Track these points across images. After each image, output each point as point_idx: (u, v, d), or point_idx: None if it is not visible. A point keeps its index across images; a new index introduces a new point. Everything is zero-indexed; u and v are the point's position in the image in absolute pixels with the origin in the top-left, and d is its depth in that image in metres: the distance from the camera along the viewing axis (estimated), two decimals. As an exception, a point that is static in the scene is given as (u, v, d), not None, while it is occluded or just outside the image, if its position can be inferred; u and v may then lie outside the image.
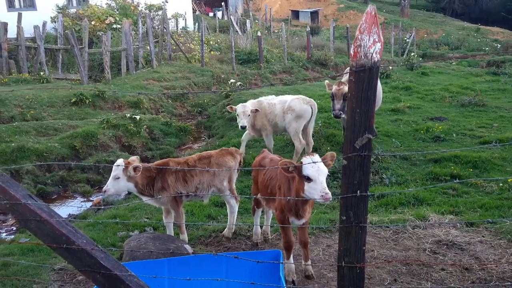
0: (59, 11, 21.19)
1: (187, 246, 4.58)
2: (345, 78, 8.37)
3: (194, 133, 12.40)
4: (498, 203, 6.00)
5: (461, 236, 4.98)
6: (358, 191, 2.12)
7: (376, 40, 2.02)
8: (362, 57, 2.03)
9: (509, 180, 6.64)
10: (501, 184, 6.67)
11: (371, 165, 8.37)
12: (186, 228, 5.90)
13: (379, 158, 8.42)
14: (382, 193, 6.72)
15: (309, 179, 3.35)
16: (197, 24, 26.94)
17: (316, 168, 3.32)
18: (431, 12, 45.95)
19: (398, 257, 4.55)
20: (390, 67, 19.02)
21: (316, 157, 3.39)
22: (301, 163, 3.40)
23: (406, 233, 5.18)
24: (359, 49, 2.04)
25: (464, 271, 4.26)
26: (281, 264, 3.33)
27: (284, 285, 3.12)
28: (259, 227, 5.15)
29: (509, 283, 3.98)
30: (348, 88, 2.10)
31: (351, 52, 2.07)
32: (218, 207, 6.67)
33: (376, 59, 2.03)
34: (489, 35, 35.41)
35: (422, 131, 10.30)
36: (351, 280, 2.20)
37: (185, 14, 27.52)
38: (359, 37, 2.04)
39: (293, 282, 4.02)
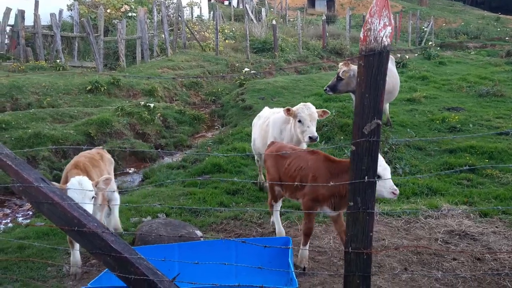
0: (75, -1, 21.30)
1: (198, 232, 4.63)
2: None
3: (208, 121, 12.43)
4: (510, 194, 5.91)
5: (474, 227, 4.93)
6: (366, 177, 2.10)
7: (387, 23, 1.99)
8: (372, 41, 2.00)
9: (525, 171, 6.53)
10: (517, 175, 6.56)
11: (385, 155, 8.31)
12: (198, 214, 5.98)
13: (393, 148, 8.35)
14: (395, 183, 6.67)
15: (378, 177, 3.36)
16: (212, 12, 26.84)
17: (383, 166, 3.45)
18: (450, 1, 44.98)
19: (410, 246, 4.52)
20: (407, 56, 18.75)
21: (380, 156, 3.45)
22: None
23: (418, 222, 5.16)
24: (369, 32, 2.01)
25: (476, 261, 4.23)
26: (290, 250, 3.34)
27: (293, 271, 3.13)
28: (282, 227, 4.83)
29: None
30: (358, 72, 2.08)
31: (361, 35, 2.05)
32: (230, 195, 6.71)
33: (386, 43, 2.00)
34: (509, 25, 34.53)
35: (437, 121, 10.16)
36: (358, 266, 2.19)
37: (200, 2, 27.43)
38: (369, 20, 2.01)
39: (304, 268, 4.04)
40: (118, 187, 7.89)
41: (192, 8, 25.92)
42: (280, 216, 4.94)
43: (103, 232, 2.54)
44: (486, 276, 3.93)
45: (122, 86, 12.96)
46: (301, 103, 5.53)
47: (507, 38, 26.75)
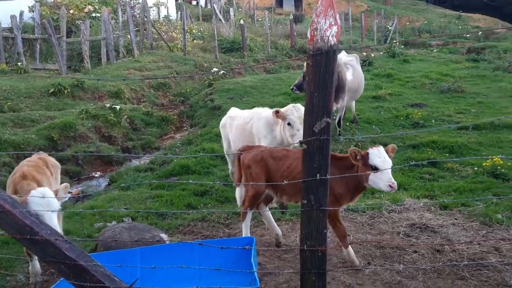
0: (37, 0, 20.71)
1: (164, 235, 4.58)
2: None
3: (176, 122, 12.33)
4: (472, 186, 6.10)
5: (434, 219, 5.07)
6: (318, 175, 2.13)
7: (332, 23, 2.02)
8: (319, 40, 2.03)
9: (483, 163, 6.75)
10: (475, 168, 6.77)
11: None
12: (165, 217, 5.92)
13: (359, 144, 8.49)
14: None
15: (375, 169, 3.56)
16: (179, 12, 26.61)
17: (383, 159, 3.54)
18: (413, 0, 46.08)
19: (373, 241, 4.61)
20: (372, 55, 19.10)
21: (382, 149, 3.60)
22: (367, 153, 3.59)
23: (381, 217, 5.25)
24: (315, 32, 2.03)
25: (435, 252, 4.35)
26: (253, 250, 3.35)
27: (255, 271, 3.14)
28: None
29: (478, 262, 4.07)
30: (306, 72, 2.10)
31: (308, 35, 2.07)
32: (199, 196, 6.67)
33: (332, 43, 2.03)
34: (470, 22, 35.72)
35: (402, 118, 10.40)
36: (313, 263, 2.22)
37: (167, 2, 27.15)
38: (315, 20, 2.03)
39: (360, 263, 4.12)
40: (83, 192, 7.76)
41: (159, 8, 25.62)
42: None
43: (56, 239, 2.47)
44: (445, 267, 4.04)
45: (87, 89, 12.68)
46: (290, 105, 5.24)
47: (467, 35, 27.63)
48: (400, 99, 12.47)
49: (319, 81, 2.05)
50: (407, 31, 31.54)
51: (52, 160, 4.68)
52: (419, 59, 19.72)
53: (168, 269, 3.20)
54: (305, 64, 8.74)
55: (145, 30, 18.88)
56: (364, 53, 20.56)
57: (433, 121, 10.11)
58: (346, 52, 10.84)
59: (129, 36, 17.47)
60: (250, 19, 28.82)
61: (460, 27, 32.71)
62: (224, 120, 6.30)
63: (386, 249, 4.44)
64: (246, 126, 5.72)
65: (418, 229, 4.85)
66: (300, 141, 4.62)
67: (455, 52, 22.18)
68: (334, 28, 2.02)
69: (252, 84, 14.09)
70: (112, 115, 10.43)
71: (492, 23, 34.00)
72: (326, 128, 2.09)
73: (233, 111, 6.30)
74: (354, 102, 10.18)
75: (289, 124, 5.08)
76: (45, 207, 3.38)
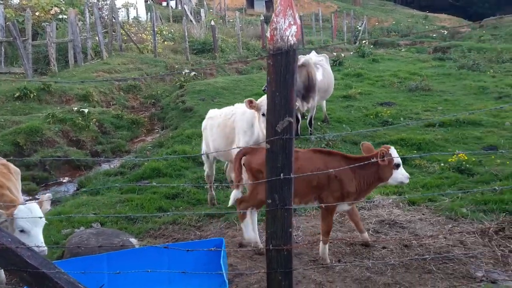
0: (1, 2, 20.07)
1: (133, 240, 4.51)
2: (301, 61, 8.51)
3: (147, 125, 12.17)
4: (439, 182, 6.26)
5: (402, 215, 5.17)
6: (282, 174, 2.14)
7: (292, 22, 2.03)
8: (279, 40, 2.04)
9: (449, 159, 6.93)
10: (442, 164, 6.95)
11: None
12: (135, 221, 5.83)
13: (329, 143, 8.59)
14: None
15: (397, 166, 4.02)
16: (149, 13, 26.30)
17: (398, 157, 3.99)
18: (382, 1, 47.00)
19: (344, 238, 4.66)
20: (343, 55, 19.37)
21: (393, 149, 4.06)
22: (383, 153, 3.91)
23: (352, 215, 5.31)
24: (275, 32, 2.04)
25: (403, 247, 4.43)
26: (222, 251, 3.33)
27: (224, 272, 3.12)
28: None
29: (444, 256, 4.18)
30: (267, 71, 2.11)
31: (268, 35, 2.08)
32: (170, 199, 6.60)
33: (292, 42, 2.04)
34: (436, 22, 36.67)
35: (371, 116, 10.58)
36: (279, 262, 2.22)
37: (136, 3, 26.79)
38: (275, 19, 2.04)
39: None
40: (50, 198, 7.55)
41: (128, 9, 25.27)
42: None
43: (17, 247, 2.40)
44: (413, 261, 4.13)
45: (54, 92, 12.37)
46: (265, 95, 5.15)
47: (434, 35, 28.36)
48: (369, 98, 12.69)
49: (280, 80, 2.06)
50: (376, 31, 32.13)
51: (13, 166, 4.54)
52: (388, 59, 20.13)
53: (137, 274, 3.15)
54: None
55: (114, 32, 18.58)
56: (335, 53, 20.84)
57: (401, 119, 10.32)
58: (317, 52, 10.96)
59: (97, 38, 17.15)
60: (221, 20, 28.78)
61: (426, 27, 33.54)
62: (204, 122, 6.10)
63: (356, 246, 4.50)
64: (227, 122, 5.48)
65: (387, 225, 4.94)
66: None
67: (422, 51, 22.74)
68: (294, 28, 2.04)
69: (223, 85, 14.06)
70: (80, 118, 10.21)
71: (457, 23, 34.98)
72: (288, 127, 2.10)
73: (212, 112, 6.09)
74: (325, 101, 10.29)
75: (264, 114, 4.71)
76: (31, 222, 3.28)
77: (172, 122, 11.79)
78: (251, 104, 4.86)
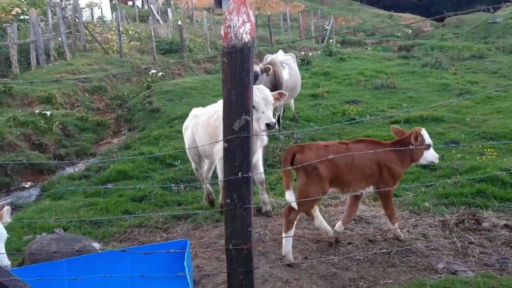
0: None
1: (96, 244, 4.40)
2: (267, 60, 8.52)
3: (114, 127, 11.93)
4: (403, 177, 6.34)
5: (368, 211, 5.25)
6: (240, 173, 2.12)
7: (246, 20, 2.02)
8: (233, 37, 2.02)
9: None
10: (406, 160, 7.09)
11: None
12: (100, 226, 5.69)
13: (298, 142, 8.64)
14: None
15: (429, 146, 4.24)
16: (114, 13, 25.81)
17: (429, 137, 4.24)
18: (349, 0, 47.72)
19: (310, 236, 4.69)
20: (310, 54, 19.54)
21: (424, 130, 4.26)
22: (416, 134, 4.16)
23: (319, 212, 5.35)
24: (229, 29, 2.02)
25: (368, 243, 4.50)
26: (187, 253, 3.29)
27: (188, 274, 3.09)
28: None
29: (407, 249, 4.27)
30: (222, 69, 2.09)
31: (222, 33, 2.06)
32: (136, 202, 6.49)
33: (246, 40, 2.03)
34: (401, 21, 37.48)
35: (339, 114, 10.72)
36: (239, 262, 2.21)
37: (101, 3, 26.24)
38: (228, 17, 2.02)
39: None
40: (12, 204, 7.29)
41: (92, 9, 24.73)
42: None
43: (-34, 256, 2.29)
44: (377, 256, 4.20)
45: (16, 95, 11.96)
46: (253, 86, 4.91)
47: (399, 34, 29.00)
48: (337, 96, 12.85)
49: (235, 78, 2.04)
50: (343, 30, 32.59)
51: None
52: (355, 57, 20.44)
53: (99, 279, 3.07)
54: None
55: (77, 32, 18.12)
56: (303, 53, 21.03)
57: (368, 116, 10.49)
58: (285, 52, 11.00)
59: (60, 39, 16.69)
60: (189, 20, 28.53)
61: (392, 26, 34.24)
62: (188, 121, 5.80)
63: (322, 243, 4.54)
64: (210, 120, 5.22)
65: (353, 221, 4.99)
66: (266, 123, 4.42)
67: (388, 50, 23.21)
68: (248, 25, 2.02)
69: (192, 85, 13.95)
70: (43, 121, 9.91)
71: (421, 22, 35.88)
72: (245, 126, 2.08)
73: (196, 111, 5.78)
74: (293, 100, 10.35)
75: (253, 107, 4.75)
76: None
77: (139, 123, 11.61)
78: None
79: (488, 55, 17.90)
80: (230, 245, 2.21)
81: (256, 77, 7.98)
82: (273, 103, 4.67)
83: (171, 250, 2.94)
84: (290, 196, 4.07)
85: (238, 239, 2.20)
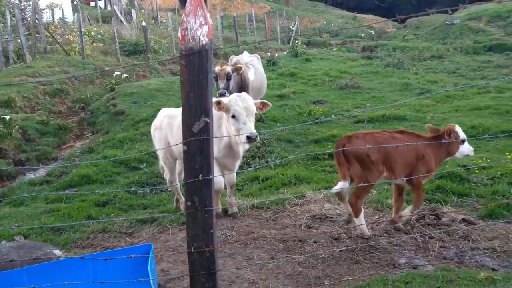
0: None
1: (57, 252, 4.28)
2: (233, 61, 8.50)
3: (76, 130, 11.66)
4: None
5: (333, 209, 5.32)
6: (200, 176, 2.12)
7: (203, 22, 2.01)
8: (190, 40, 2.01)
9: (376, 154, 7.24)
10: (370, 158, 7.24)
11: (257, 149, 8.53)
12: (62, 232, 5.54)
13: (265, 142, 8.69)
14: (267, 176, 6.93)
15: (463, 141, 4.51)
16: (76, 14, 25.17)
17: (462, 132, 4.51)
18: (313, 2, 48.32)
19: (276, 236, 4.72)
20: (276, 55, 19.66)
21: (458, 126, 4.54)
22: (450, 131, 4.47)
23: (285, 211, 5.40)
24: (186, 32, 2.02)
25: (334, 241, 4.57)
26: (151, 257, 3.25)
27: (151, 279, 3.05)
28: None
29: (371, 245, 4.36)
30: (180, 72, 2.08)
31: (179, 35, 2.05)
32: (100, 207, 6.36)
33: (204, 42, 2.03)
34: (365, 23, 38.26)
35: (305, 114, 10.83)
36: (202, 264, 2.20)
37: (62, 4, 25.53)
38: (185, 19, 2.01)
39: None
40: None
41: (53, 10, 24.02)
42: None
43: None
44: (342, 253, 4.27)
45: (-29, 99, 11.49)
46: (235, 94, 4.58)
47: (362, 35, 29.60)
48: (303, 96, 12.98)
49: (194, 81, 2.03)
50: (308, 31, 32.97)
51: None
52: (320, 58, 20.71)
53: (59, 287, 2.99)
54: (215, 68, 8.66)
55: (37, 34, 17.56)
56: (269, 53, 21.13)
57: (333, 116, 10.65)
58: (250, 53, 11.01)
59: (19, 41, 16.13)
60: (153, 21, 28.16)
61: (355, 27, 34.93)
62: (159, 121, 5.50)
63: (288, 242, 4.57)
64: None
65: (318, 220, 5.06)
66: (247, 136, 4.17)
67: (352, 50, 23.65)
68: (205, 28, 2.02)
69: (157, 87, 13.77)
70: (2, 126, 9.57)
71: (383, 23, 36.74)
72: (205, 128, 2.08)
73: (168, 111, 5.51)
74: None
75: (233, 116, 4.32)
76: None
77: (102, 126, 11.38)
78: (219, 106, 4.32)
79: (447, 55, 18.52)
80: (192, 248, 2.20)
81: (229, 77, 7.98)
82: (255, 112, 4.44)
83: (132, 255, 2.89)
84: (340, 185, 4.37)
85: (200, 241, 2.19)
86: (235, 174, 5.21)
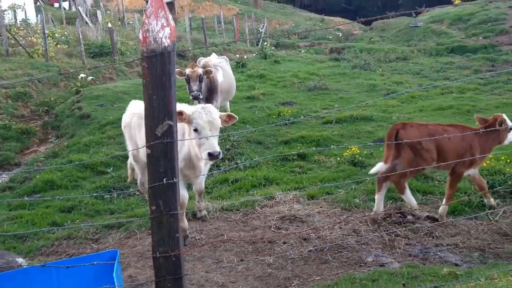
0: None
1: (20, 260, 4.13)
2: (201, 63, 8.44)
3: (40, 134, 11.31)
4: (335, 175, 6.61)
5: (302, 210, 5.36)
6: (165, 179, 2.09)
7: (165, 24, 1.99)
8: (152, 42, 1.99)
9: (344, 154, 7.36)
10: (338, 159, 7.35)
11: (227, 151, 8.50)
12: (25, 239, 5.36)
13: (234, 144, 8.67)
14: (236, 178, 6.92)
15: (511, 129, 4.79)
16: (39, 15, 24.44)
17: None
18: (282, 4, 48.72)
19: (246, 238, 4.72)
20: (245, 57, 19.69)
21: (505, 115, 4.82)
22: (501, 120, 4.74)
23: (255, 213, 5.41)
24: (147, 33, 1.99)
25: (303, 241, 4.61)
26: (116, 264, 3.18)
27: (117, 286, 2.98)
28: None
29: (339, 245, 4.42)
30: (143, 74, 2.05)
31: (140, 37, 2.02)
32: (65, 213, 6.19)
33: (166, 44, 2.00)
34: (332, 24, 38.85)
35: (274, 116, 10.87)
36: (168, 269, 2.17)
37: (24, 5, 24.75)
38: (146, 21, 1.99)
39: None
40: None
41: (15, 11, 23.25)
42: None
43: None
44: (311, 253, 4.31)
45: None
46: (199, 105, 4.20)
47: (330, 37, 30.03)
48: (272, 98, 13.03)
49: (156, 83, 2.00)
50: (277, 33, 33.18)
51: None
52: (289, 60, 20.85)
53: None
54: (176, 71, 8.56)
55: (-1, 35, 16.94)
56: (238, 55, 21.14)
57: (302, 117, 10.75)
58: (219, 55, 10.98)
59: (-22, 42, 15.53)
60: (120, 22, 27.68)
61: (323, 29, 35.41)
62: (128, 118, 5.19)
63: (258, 244, 4.58)
64: None
65: (288, 221, 5.09)
66: (209, 152, 3.76)
67: (320, 52, 23.92)
68: (167, 29, 2.00)
69: (124, 90, 13.53)
70: (-40, 131, 9.18)
71: (350, 25, 37.41)
72: (169, 130, 2.05)
73: (138, 107, 5.01)
74: (228, 103, 10.37)
75: (195, 130, 3.94)
76: None
77: (67, 130, 11.08)
78: (180, 117, 3.88)
79: (411, 57, 19.00)
80: (158, 253, 2.16)
81: (201, 79, 7.94)
82: (221, 126, 4.08)
83: (95, 263, 2.82)
84: (379, 167, 4.85)
85: (166, 246, 2.16)
86: (203, 181, 5.03)
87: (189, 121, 3.96)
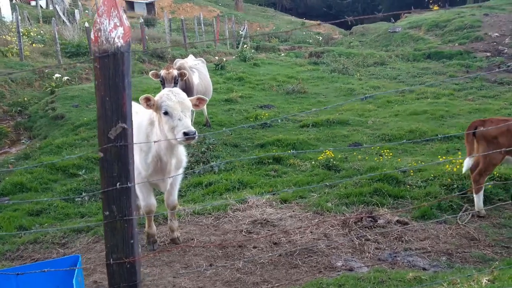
0: None
1: (-21, 266, 3.99)
2: (177, 65, 8.36)
3: (12, 135, 11.03)
4: (309, 179, 6.62)
5: (274, 214, 5.34)
6: (118, 184, 2.03)
7: (118, 24, 1.94)
8: (104, 42, 1.93)
9: (319, 157, 7.37)
10: (313, 162, 7.36)
11: (202, 154, 8.41)
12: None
13: (210, 147, 8.60)
14: (211, 181, 6.85)
15: None
16: (14, 13, 23.90)
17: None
18: (263, 7, 48.87)
19: (216, 242, 4.66)
20: (224, 59, 19.62)
21: None
22: None
23: (226, 217, 5.35)
24: (99, 33, 1.93)
25: (273, 245, 4.57)
26: (77, 270, 3.08)
27: (75, 292, 2.89)
28: None
29: (309, 249, 4.40)
30: (95, 75, 1.99)
31: (92, 37, 1.96)
32: (34, 216, 6.03)
33: (119, 44, 1.95)
34: (312, 29, 39.12)
35: (252, 119, 10.85)
36: (122, 277, 2.10)
37: (0, 2, 24.19)
38: (98, 20, 1.93)
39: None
40: None
41: (-11, 8, 22.69)
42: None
43: None
44: (281, 257, 4.28)
45: None
46: (166, 89, 4.07)
47: (310, 41, 30.20)
48: (250, 101, 13.02)
49: (109, 84, 1.94)
50: (257, 36, 33.23)
51: None
52: (268, 63, 20.86)
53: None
54: (150, 73, 8.47)
55: (-30, 33, 16.52)
56: (217, 57, 21.06)
57: (279, 120, 10.75)
58: (199, 56, 10.90)
59: (-51, 40, 15.09)
60: (99, 22, 27.25)
61: (304, 33, 35.60)
62: None
63: (228, 249, 4.53)
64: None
65: (259, 225, 5.05)
66: (184, 132, 3.59)
67: (300, 56, 24.03)
68: (120, 29, 1.94)
69: (100, 91, 13.30)
70: None
71: (331, 30, 37.75)
72: (122, 134, 1.99)
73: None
74: (205, 105, 10.28)
75: (166, 113, 3.76)
76: None
77: (40, 131, 10.85)
78: (148, 103, 3.78)
79: (389, 62, 19.26)
80: (111, 259, 2.09)
81: (177, 81, 7.87)
82: (192, 110, 3.95)
83: (45, 270, 2.73)
84: (467, 163, 5.07)
85: (120, 253, 2.09)
86: (176, 195, 4.63)
87: (157, 106, 3.81)
